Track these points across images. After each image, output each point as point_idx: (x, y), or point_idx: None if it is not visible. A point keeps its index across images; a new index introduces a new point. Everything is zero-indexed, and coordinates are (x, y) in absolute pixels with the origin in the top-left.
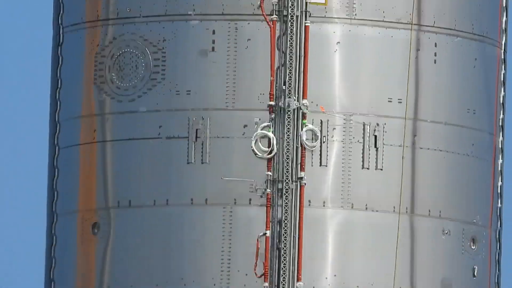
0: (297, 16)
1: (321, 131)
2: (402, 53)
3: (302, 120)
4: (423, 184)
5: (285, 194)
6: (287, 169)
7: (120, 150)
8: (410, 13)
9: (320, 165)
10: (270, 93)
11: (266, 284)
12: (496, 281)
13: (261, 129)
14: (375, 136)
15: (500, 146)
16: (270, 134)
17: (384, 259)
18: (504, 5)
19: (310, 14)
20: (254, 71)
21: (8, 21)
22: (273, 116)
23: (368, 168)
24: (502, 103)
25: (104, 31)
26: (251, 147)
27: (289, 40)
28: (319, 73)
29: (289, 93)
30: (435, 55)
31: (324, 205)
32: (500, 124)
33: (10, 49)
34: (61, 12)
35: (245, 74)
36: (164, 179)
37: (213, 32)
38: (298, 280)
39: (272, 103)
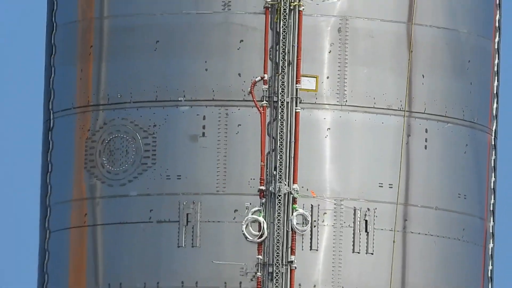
0: (287, 102)
1: (311, 215)
2: (392, 139)
3: (292, 205)
4: (414, 267)
5: (275, 277)
6: (278, 253)
7: (111, 233)
8: (400, 100)
9: (311, 249)
10: (260, 178)
11: None
12: None
13: (252, 214)
14: (366, 221)
15: (491, 231)
16: (261, 219)
17: None
18: (495, 92)
19: (301, 100)
20: (244, 156)
21: None
22: (263, 200)
23: (358, 252)
24: (493, 188)
25: (94, 116)
26: (242, 231)
27: (280, 126)
28: (310, 158)
29: (280, 178)
30: (426, 140)
31: None
32: (491, 209)
33: (1, 134)
34: (51, 97)
35: (235, 159)
36: (155, 262)
37: (204, 118)
38: None
39: (263, 187)
